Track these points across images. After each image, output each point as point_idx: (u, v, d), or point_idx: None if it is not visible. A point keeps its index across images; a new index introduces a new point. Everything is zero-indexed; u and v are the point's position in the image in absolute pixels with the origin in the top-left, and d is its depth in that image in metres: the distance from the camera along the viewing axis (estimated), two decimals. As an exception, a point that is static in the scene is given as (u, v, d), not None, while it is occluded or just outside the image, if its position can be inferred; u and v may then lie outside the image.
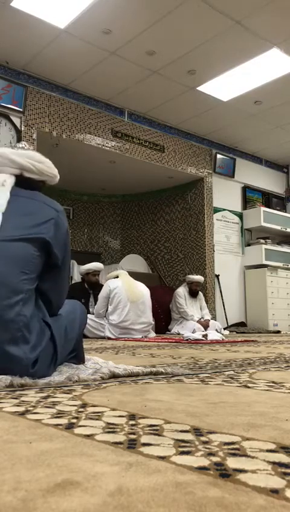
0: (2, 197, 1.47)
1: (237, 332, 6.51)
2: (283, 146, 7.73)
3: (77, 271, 6.47)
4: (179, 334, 5.66)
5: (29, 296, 1.40)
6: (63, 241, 1.51)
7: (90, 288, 5.46)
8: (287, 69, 5.36)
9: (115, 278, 5.18)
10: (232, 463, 0.58)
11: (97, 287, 5.36)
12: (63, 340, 1.53)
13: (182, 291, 6.21)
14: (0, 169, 1.56)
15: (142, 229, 8.16)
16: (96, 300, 5.32)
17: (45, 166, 1.62)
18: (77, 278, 6.32)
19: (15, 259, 1.39)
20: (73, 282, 6.26)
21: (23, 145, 1.67)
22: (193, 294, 6.26)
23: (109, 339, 4.75)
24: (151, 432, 0.75)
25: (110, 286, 4.98)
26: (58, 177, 1.69)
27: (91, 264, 5.49)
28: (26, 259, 1.41)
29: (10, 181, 1.53)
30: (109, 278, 5.25)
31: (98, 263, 5.57)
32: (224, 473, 0.54)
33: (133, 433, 0.74)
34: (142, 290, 5.11)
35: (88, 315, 4.97)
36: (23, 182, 1.57)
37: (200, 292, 6.39)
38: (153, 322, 5.32)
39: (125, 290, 4.94)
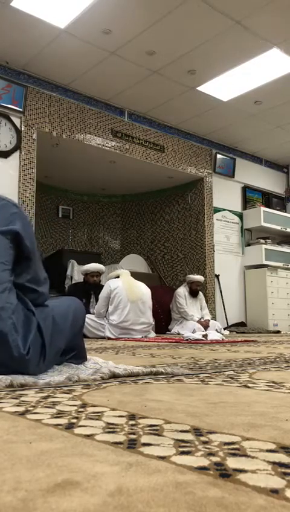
0: None
1: (237, 332, 6.51)
2: (283, 146, 7.73)
3: (77, 271, 6.47)
4: (179, 334, 5.66)
5: (11, 286, 1.47)
6: (30, 232, 1.59)
7: (91, 288, 5.45)
8: (287, 69, 5.36)
9: (116, 277, 5.17)
10: (232, 463, 0.58)
11: (98, 287, 5.35)
12: (51, 329, 1.54)
13: (182, 291, 6.21)
14: None
15: (142, 229, 8.16)
16: (97, 300, 5.32)
17: None
18: (77, 277, 6.32)
19: None
20: (74, 282, 6.27)
21: None
22: (193, 294, 6.26)
23: (109, 339, 4.75)
24: (151, 431, 0.75)
25: (111, 286, 4.98)
26: None
27: (90, 265, 5.49)
28: (3, 251, 1.48)
29: None
30: (110, 278, 5.25)
31: (98, 264, 5.56)
32: (224, 473, 0.54)
33: (133, 433, 0.74)
34: (143, 290, 5.11)
35: (89, 315, 4.99)
36: None
37: (200, 292, 6.38)
38: (153, 322, 5.32)
39: (125, 290, 4.94)
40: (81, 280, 5.81)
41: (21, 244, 1.53)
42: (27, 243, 1.54)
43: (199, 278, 6.24)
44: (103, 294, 5.01)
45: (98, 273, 5.48)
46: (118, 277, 5.17)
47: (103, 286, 5.31)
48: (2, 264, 1.46)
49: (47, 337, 1.50)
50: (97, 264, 5.58)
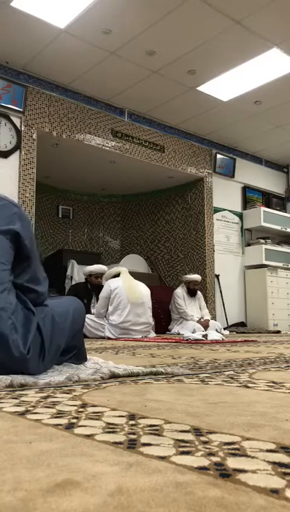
0: None
1: (237, 332, 6.51)
2: (283, 146, 7.73)
3: (77, 271, 6.47)
4: (179, 334, 5.66)
5: (11, 286, 1.48)
6: (29, 232, 1.59)
7: (93, 289, 5.46)
8: (287, 69, 5.36)
9: (115, 275, 5.16)
10: (232, 463, 0.58)
11: (100, 288, 5.35)
12: (50, 328, 1.54)
13: (180, 291, 6.20)
14: None
15: (142, 229, 8.16)
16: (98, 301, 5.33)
17: None
18: (77, 278, 6.33)
19: None
20: (74, 282, 6.28)
21: None
22: (192, 293, 6.25)
23: (109, 339, 4.75)
24: (151, 432, 0.75)
25: (111, 286, 4.97)
26: None
27: (94, 266, 5.51)
28: (3, 251, 1.48)
29: None
30: (109, 275, 5.23)
31: (102, 266, 5.58)
32: (224, 473, 0.54)
33: (133, 433, 0.74)
34: (143, 291, 5.10)
35: (89, 315, 4.99)
36: None
37: (199, 291, 6.37)
38: (153, 322, 5.31)
39: (125, 290, 4.93)
40: (82, 280, 5.81)
41: (20, 244, 1.53)
42: (26, 243, 1.54)
43: (195, 277, 6.22)
44: (102, 294, 5.01)
45: (102, 275, 5.49)
46: (117, 275, 5.16)
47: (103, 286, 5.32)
48: (2, 264, 1.46)
49: (46, 337, 1.50)
50: (101, 265, 5.59)
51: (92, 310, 5.26)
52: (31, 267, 1.59)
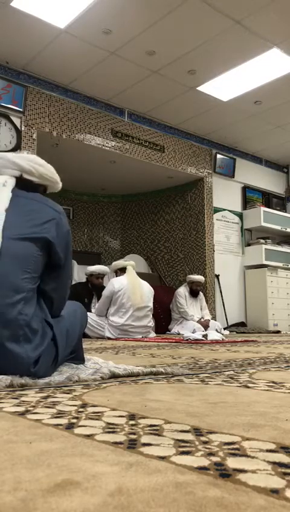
0: (4, 196, 1.48)
1: (237, 332, 6.51)
2: (283, 146, 7.73)
3: (77, 271, 6.47)
4: (179, 334, 5.66)
5: (30, 296, 1.41)
6: (65, 241, 1.52)
7: (94, 289, 5.47)
8: (287, 69, 5.36)
9: (121, 270, 5.13)
10: (232, 463, 0.58)
11: (101, 289, 5.37)
12: (64, 341, 1.52)
13: (182, 291, 6.21)
14: (1, 171, 1.57)
15: (142, 229, 8.16)
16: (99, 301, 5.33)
17: (46, 170, 1.64)
18: (77, 278, 6.33)
19: (17, 258, 1.39)
20: (74, 282, 6.27)
21: (26, 152, 1.70)
22: (194, 294, 6.26)
23: (109, 339, 4.75)
24: (151, 431, 0.75)
25: (115, 287, 4.91)
26: (60, 185, 1.73)
27: (96, 266, 5.52)
28: (28, 258, 1.41)
29: (11, 182, 1.54)
30: (115, 267, 5.21)
31: (103, 266, 5.59)
32: (224, 473, 0.54)
33: (133, 433, 0.74)
34: (146, 293, 5.04)
35: (89, 314, 4.99)
36: (23, 185, 1.58)
37: (201, 292, 6.38)
38: (153, 323, 5.31)
39: (129, 292, 4.88)
40: (83, 280, 5.82)
41: (52, 252, 1.47)
42: (58, 251, 1.48)
43: (199, 278, 6.24)
44: (105, 293, 4.98)
45: (103, 275, 5.49)
46: (123, 270, 5.12)
47: (104, 288, 5.34)
48: (24, 272, 1.39)
49: (61, 349, 1.48)
50: (102, 266, 5.60)
51: (93, 310, 5.27)
52: (61, 278, 1.54)
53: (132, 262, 5.28)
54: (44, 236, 1.44)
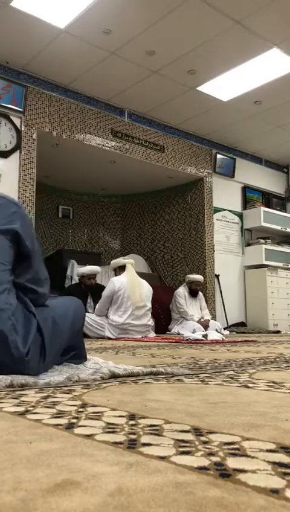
0: None
1: (237, 332, 6.51)
2: (283, 146, 7.73)
3: (77, 271, 6.47)
4: (179, 334, 5.66)
5: (11, 287, 1.47)
6: (30, 232, 1.58)
7: (88, 290, 5.52)
8: (287, 69, 5.36)
9: (120, 267, 5.15)
10: (232, 463, 0.58)
11: (94, 289, 5.43)
12: (51, 329, 1.53)
13: (182, 291, 6.21)
14: None
15: (142, 229, 8.16)
16: (94, 301, 5.35)
17: None
18: (77, 278, 6.33)
19: None
20: (74, 282, 6.28)
21: None
22: (193, 294, 6.26)
23: (109, 339, 4.75)
24: (151, 431, 0.75)
25: (116, 285, 4.92)
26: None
27: (86, 267, 5.57)
28: (4, 251, 1.47)
29: None
30: (115, 265, 5.23)
31: (93, 266, 5.61)
32: (224, 473, 0.54)
33: (133, 433, 0.74)
34: (146, 292, 5.07)
35: (89, 314, 4.99)
36: None
37: (200, 292, 6.38)
38: (153, 323, 5.31)
39: (129, 291, 4.90)
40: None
41: (21, 243, 1.52)
42: (27, 243, 1.53)
43: (198, 277, 6.24)
44: (106, 292, 4.99)
45: (94, 275, 5.54)
46: (123, 269, 5.13)
47: (99, 287, 5.38)
48: (2, 265, 1.45)
49: (47, 338, 1.50)
50: (92, 266, 5.62)
51: (89, 310, 5.29)
52: (32, 267, 1.58)
53: (131, 260, 5.30)
54: (12, 228, 1.50)
